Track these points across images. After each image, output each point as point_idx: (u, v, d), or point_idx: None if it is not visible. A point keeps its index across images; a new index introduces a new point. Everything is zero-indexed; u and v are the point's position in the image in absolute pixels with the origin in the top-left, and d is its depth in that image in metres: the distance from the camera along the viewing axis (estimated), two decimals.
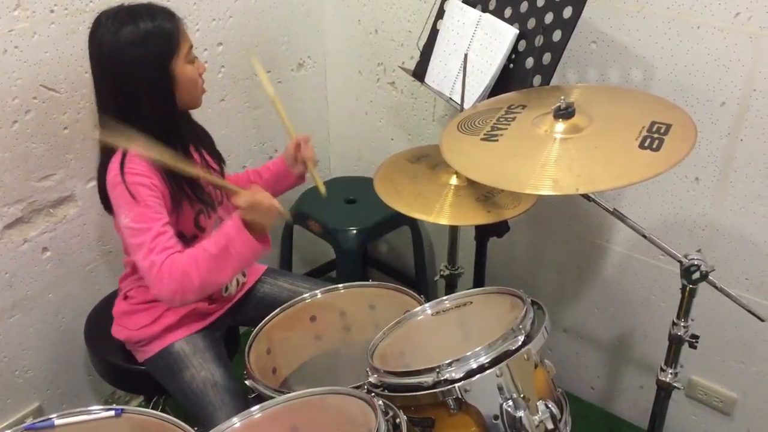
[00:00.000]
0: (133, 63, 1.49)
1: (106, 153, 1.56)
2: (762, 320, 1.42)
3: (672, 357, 1.52)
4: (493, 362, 1.23)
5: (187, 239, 1.65)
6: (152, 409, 1.62)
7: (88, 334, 1.85)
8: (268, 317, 1.69)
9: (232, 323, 1.87)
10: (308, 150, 1.81)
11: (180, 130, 1.61)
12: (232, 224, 1.48)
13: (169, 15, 1.54)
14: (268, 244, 1.52)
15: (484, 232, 1.90)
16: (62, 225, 1.89)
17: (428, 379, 1.23)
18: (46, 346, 1.97)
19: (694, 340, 1.48)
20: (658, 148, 1.27)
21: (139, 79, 1.50)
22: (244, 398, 1.57)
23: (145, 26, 1.49)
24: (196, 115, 1.70)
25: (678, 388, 1.53)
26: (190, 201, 1.62)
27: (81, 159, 1.86)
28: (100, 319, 1.84)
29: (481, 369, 1.22)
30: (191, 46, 1.57)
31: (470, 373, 1.22)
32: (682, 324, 1.47)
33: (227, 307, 1.80)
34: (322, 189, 1.77)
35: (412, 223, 2.39)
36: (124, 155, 1.53)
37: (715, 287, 1.40)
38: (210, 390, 1.60)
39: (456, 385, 1.21)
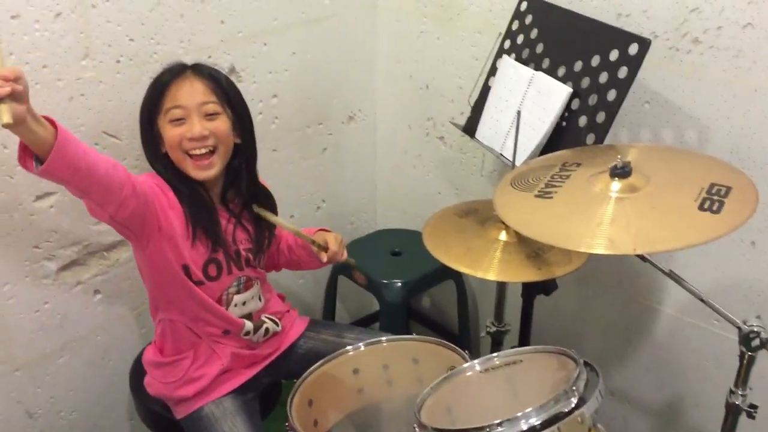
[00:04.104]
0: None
1: None
2: None
3: (728, 427, 1.47)
4: (545, 424, 1.19)
5: (191, 279, 1.61)
6: None
7: (133, 378, 1.85)
8: (311, 368, 1.68)
9: (270, 380, 1.84)
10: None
11: (183, 183, 1.61)
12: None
13: (177, 71, 1.59)
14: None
15: (531, 290, 1.87)
16: (114, 268, 1.92)
17: None
18: (92, 388, 1.98)
19: (752, 410, 1.43)
20: (718, 211, 1.25)
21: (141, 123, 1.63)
22: None
23: (155, 76, 1.61)
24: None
25: None
26: (208, 239, 1.62)
27: None
28: None
29: (532, 431, 1.19)
30: (178, 107, 1.56)
31: None
32: (739, 392, 1.42)
33: (261, 367, 1.77)
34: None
35: (457, 277, 2.38)
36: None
37: None
38: None
39: None
